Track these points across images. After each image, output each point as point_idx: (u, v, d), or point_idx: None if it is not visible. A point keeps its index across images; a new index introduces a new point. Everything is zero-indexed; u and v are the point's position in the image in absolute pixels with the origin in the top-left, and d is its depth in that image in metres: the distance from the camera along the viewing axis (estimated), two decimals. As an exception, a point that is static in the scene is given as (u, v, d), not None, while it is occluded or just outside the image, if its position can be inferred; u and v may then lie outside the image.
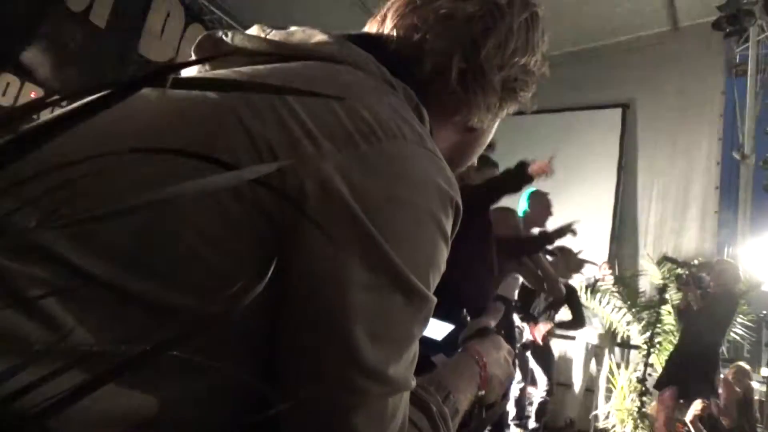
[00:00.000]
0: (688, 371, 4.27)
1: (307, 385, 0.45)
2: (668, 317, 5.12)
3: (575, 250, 3.97)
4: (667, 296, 5.10)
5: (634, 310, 5.44)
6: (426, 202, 0.48)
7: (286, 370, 0.45)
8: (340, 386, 0.44)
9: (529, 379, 4.58)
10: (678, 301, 4.86)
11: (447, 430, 0.59)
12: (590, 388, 5.36)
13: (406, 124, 0.51)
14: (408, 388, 0.49)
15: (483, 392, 0.75)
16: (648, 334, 5.05)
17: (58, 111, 0.26)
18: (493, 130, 0.76)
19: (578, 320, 4.46)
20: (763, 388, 5.05)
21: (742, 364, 4.55)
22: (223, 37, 0.61)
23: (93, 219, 0.22)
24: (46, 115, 0.25)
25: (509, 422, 4.99)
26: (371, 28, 0.71)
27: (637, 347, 5.40)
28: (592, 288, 5.39)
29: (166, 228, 0.42)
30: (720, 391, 4.28)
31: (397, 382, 0.46)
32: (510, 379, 0.83)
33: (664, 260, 5.30)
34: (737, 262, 4.93)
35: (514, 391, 4.53)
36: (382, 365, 0.45)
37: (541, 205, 3.27)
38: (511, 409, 5.01)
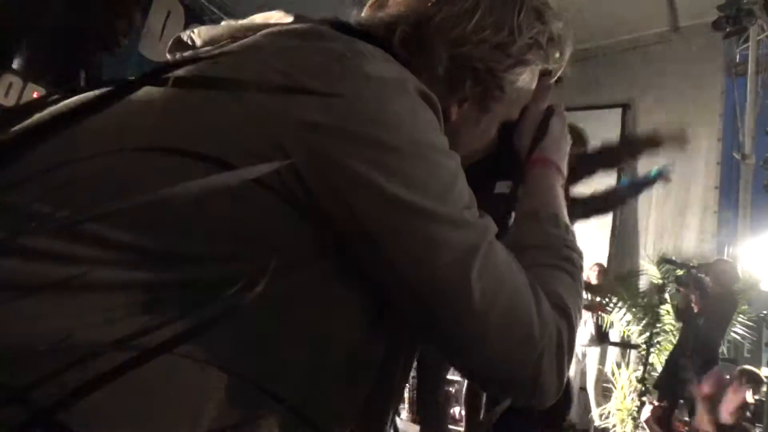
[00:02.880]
0: (688, 372, 4.27)
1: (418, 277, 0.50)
2: (668, 317, 5.12)
3: None
4: (666, 296, 5.10)
5: (634, 310, 5.44)
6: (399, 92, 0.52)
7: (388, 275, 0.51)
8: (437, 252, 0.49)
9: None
10: (677, 301, 4.86)
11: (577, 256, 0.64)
12: (583, 387, 5.35)
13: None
14: (486, 228, 0.54)
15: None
16: (647, 333, 5.05)
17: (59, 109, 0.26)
18: (486, 132, 0.71)
19: None
20: (764, 388, 5.04)
21: (750, 368, 4.51)
22: (191, 34, 0.63)
23: (95, 218, 0.23)
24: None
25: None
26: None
27: (636, 347, 5.40)
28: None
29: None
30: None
31: (470, 221, 0.52)
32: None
33: (663, 261, 5.30)
34: (735, 262, 4.93)
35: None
36: (450, 210, 0.50)
37: None
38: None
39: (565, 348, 0.55)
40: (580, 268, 0.64)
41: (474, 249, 0.50)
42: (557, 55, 0.71)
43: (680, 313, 4.71)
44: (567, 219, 0.67)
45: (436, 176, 0.51)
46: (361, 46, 0.53)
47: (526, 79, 0.69)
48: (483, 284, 0.50)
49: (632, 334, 5.49)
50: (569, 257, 0.63)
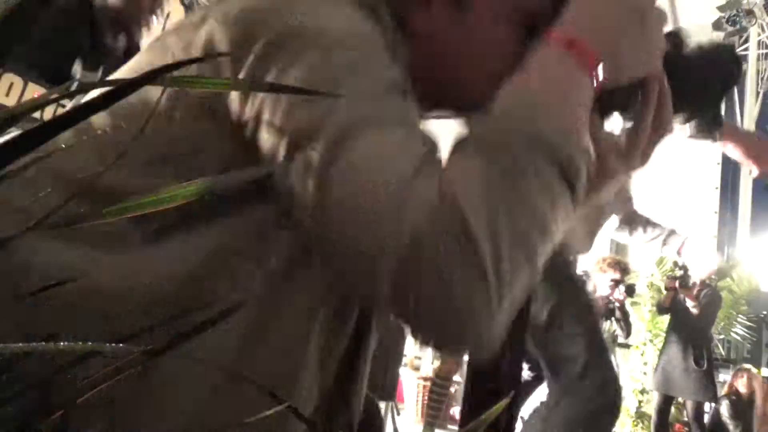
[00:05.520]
0: (687, 370, 4.27)
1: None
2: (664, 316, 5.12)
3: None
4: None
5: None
6: None
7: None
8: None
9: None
10: (662, 298, 4.83)
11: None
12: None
13: None
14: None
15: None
16: (643, 333, 5.06)
17: (59, 110, 0.26)
18: (492, 34, 0.55)
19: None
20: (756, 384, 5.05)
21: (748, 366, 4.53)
22: None
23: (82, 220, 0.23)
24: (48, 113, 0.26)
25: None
26: None
27: (630, 346, 5.40)
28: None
29: None
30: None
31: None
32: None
33: (675, 267, 5.27)
34: (735, 262, 4.92)
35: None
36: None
37: None
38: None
39: (456, 240, 0.36)
40: (531, 161, 0.40)
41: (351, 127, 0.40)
42: None
43: (665, 311, 4.68)
44: (570, 123, 0.44)
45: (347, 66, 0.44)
46: None
47: None
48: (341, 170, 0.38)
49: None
50: (502, 143, 0.41)
